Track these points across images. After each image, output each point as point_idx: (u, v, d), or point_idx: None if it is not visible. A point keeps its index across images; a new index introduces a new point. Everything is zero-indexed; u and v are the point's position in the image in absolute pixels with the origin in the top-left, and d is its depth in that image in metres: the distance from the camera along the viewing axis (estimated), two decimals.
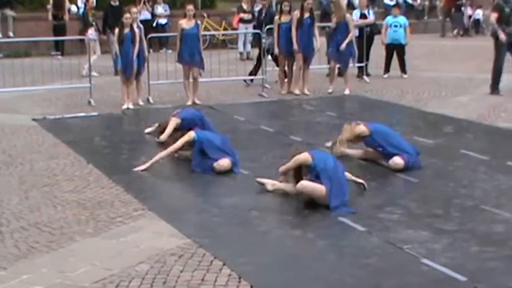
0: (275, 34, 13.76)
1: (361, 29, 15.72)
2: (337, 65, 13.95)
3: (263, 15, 15.08)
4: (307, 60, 13.69)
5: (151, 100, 12.88)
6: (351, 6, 17.07)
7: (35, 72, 13.74)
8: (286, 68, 13.96)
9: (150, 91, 13.03)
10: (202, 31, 13.27)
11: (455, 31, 25.48)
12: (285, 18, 13.56)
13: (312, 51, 13.59)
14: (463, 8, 25.95)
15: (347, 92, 13.68)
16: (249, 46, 19.12)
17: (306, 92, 13.72)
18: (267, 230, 6.49)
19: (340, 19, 13.57)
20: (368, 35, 15.70)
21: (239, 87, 14.43)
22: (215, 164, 8.26)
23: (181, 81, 13.24)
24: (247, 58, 18.42)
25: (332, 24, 13.71)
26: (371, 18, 15.93)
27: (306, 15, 13.47)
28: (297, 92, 13.62)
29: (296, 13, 13.50)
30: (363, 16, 15.88)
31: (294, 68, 13.81)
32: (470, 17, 26.45)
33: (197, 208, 7.13)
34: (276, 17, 13.91)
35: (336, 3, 14.00)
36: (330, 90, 13.75)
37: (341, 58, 13.71)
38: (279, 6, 14.16)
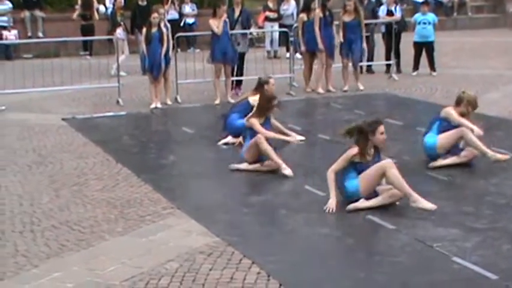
0: (299, 32, 13.74)
1: (387, 26, 15.61)
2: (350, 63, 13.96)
3: (236, 14, 13.63)
4: (331, 58, 13.68)
5: (179, 99, 12.93)
6: (378, 3, 16.89)
7: (64, 72, 13.86)
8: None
9: (178, 90, 13.08)
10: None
11: None
12: (310, 17, 13.55)
13: (334, 49, 13.65)
14: None
15: (361, 87, 13.68)
16: (276, 44, 19.09)
17: (331, 89, 13.70)
18: (296, 228, 6.48)
19: (356, 17, 13.57)
20: (394, 32, 15.58)
21: None
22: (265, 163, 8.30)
23: (209, 80, 13.28)
24: (275, 56, 18.39)
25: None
26: (398, 15, 15.81)
27: (327, 13, 13.50)
28: (320, 90, 13.59)
29: (318, 12, 13.49)
30: (389, 13, 15.77)
31: (316, 66, 13.82)
32: None
33: (226, 207, 7.14)
34: (302, 15, 13.89)
35: (357, 2, 13.96)
36: (361, 87, 13.72)
37: (352, 55, 13.71)
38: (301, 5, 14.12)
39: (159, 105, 12.38)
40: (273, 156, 8.18)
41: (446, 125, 8.31)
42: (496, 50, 20.02)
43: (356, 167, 6.93)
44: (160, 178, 8.19)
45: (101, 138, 10.21)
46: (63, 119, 11.51)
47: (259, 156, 8.31)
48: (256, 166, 8.32)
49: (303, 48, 13.76)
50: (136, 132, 10.88)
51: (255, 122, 8.47)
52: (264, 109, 8.50)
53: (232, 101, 12.64)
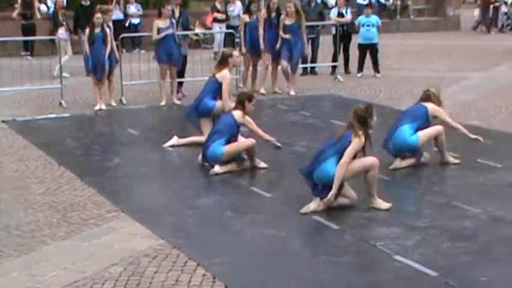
0: (241, 33, 13.75)
1: (337, 27, 15.73)
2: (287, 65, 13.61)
3: (176, 15, 13.13)
4: (275, 60, 13.69)
5: (124, 101, 12.79)
6: (324, 6, 17.04)
7: (4, 73, 13.59)
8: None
9: (123, 91, 12.94)
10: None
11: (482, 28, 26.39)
12: (252, 18, 13.56)
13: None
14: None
15: (292, 92, 13.54)
16: (221, 45, 19.05)
17: (278, 90, 13.72)
18: (241, 229, 6.48)
19: (297, 20, 13.38)
20: (342, 34, 15.71)
21: None
22: None
23: (155, 81, 13.17)
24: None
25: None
26: (348, 17, 15.96)
27: (273, 15, 13.49)
28: (262, 91, 13.57)
29: (263, 13, 13.52)
30: (340, 15, 15.91)
31: (260, 67, 13.85)
32: (506, 13, 26.92)
33: (171, 209, 7.09)
34: (243, 16, 13.93)
35: (297, 4, 13.90)
36: (292, 93, 13.55)
37: (292, 58, 13.51)
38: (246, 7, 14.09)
39: (103, 107, 12.22)
40: (255, 159, 8.36)
41: (425, 122, 8.37)
42: (438, 52, 20.39)
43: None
44: (105, 181, 8.09)
45: (43, 140, 10.01)
46: (2, 121, 11.24)
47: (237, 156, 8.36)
48: (234, 166, 8.27)
49: (243, 49, 13.72)
50: (80, 134, 10.72)
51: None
52: (246, 107, 8.36)
53: (177, 102, 12.59)
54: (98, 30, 12.15)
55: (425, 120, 8.38)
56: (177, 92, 13.09)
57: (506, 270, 5.51)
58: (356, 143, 6.77)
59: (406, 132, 8.28)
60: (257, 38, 13.48)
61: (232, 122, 8.29)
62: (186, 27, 13.54)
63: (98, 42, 12.14)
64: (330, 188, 6.71)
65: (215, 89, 9.49)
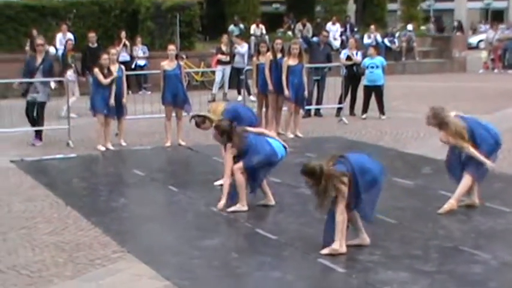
0: (253, 75, 13.88)
1: (348, 69, 15.82)
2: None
3: (38, 61, 13.06)
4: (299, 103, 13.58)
5: (123, 143, 12.73)
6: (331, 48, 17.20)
7: (13, 115, 13.69)
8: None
9: (128, 131, 12.99)
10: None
11: None
12: (262, 59, 13.71)
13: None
14: None
15: (299, 134, 13.52)
16: (226, 87, 19.14)
17: (299, 134, 13.65)
18: (247, 272, 6.46)
19: (300, 61, 13.34)
20: (353, 75, 15.79)
21: None
22: None
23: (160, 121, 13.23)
24: (213, 100, 18.15)
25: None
26: (358, 58, 16.04)
27: (279, 55, 13.55)
28: (290, 135, 13.45)
29: (268, 55, 13.58)
30: (348, 58, 16.04)
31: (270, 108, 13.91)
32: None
33: (176, 250, 7.09)
34: (254, 58, 14.10)
35: (302, 46, 13.99)
36: (291, 135, 13.43)
37: (297, 100, 13.50)
38: (256, 47, 14.19)
39: (110, 147, 12.28)
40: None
41: None
42: (443, 95, 20.46)
43: None
44: (111, 221, 8.10)
45: (50, 180, 10.07)
46: (11, 161, 11.32)
47: None
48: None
49: (255, 90, 13.83)
50: (87, 174, 10.76)
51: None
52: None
53: (182, 143, 12.61)
54: (105, 71, 12.27)
55: None
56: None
57: None
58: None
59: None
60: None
61: None
62: (46, 74, 13.09)
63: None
64: None
65: None
